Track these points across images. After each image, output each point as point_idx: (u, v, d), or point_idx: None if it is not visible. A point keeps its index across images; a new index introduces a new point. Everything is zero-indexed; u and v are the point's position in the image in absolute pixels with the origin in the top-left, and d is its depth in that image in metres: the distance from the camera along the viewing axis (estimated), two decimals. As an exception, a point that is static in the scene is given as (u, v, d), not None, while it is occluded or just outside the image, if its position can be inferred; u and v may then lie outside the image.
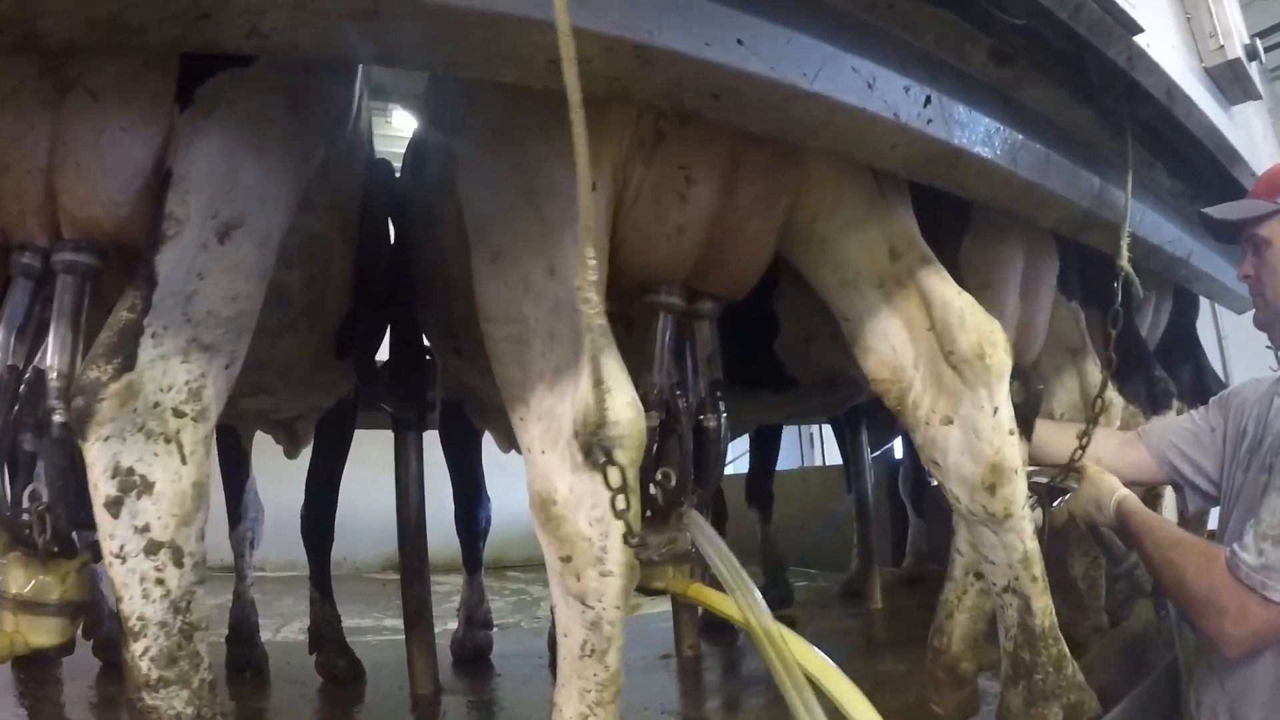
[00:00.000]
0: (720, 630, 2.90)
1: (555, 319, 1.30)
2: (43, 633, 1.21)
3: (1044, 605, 1.58)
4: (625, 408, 1.22)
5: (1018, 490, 1.53)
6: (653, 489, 1.45)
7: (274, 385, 2.01)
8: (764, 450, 3.95)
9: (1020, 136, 1.55)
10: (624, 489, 1.16)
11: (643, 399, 1.36)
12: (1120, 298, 1.78)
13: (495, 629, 3.09)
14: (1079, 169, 1.72)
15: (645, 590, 1.44)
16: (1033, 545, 1.56)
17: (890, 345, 1.58)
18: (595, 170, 1.26)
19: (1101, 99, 1.63)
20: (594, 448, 1.19)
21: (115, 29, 0.91)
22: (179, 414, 1.14)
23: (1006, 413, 1.52)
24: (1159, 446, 1.85)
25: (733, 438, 3.54)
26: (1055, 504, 1.92)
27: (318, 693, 2.47)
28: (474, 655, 2.88)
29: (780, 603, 3.39)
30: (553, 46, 0.84)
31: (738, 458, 4.48)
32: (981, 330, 1.52)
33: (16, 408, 1.21)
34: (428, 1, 0.89)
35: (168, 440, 1.13)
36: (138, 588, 1.10)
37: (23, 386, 1.22)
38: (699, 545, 1.43)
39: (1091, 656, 2.18)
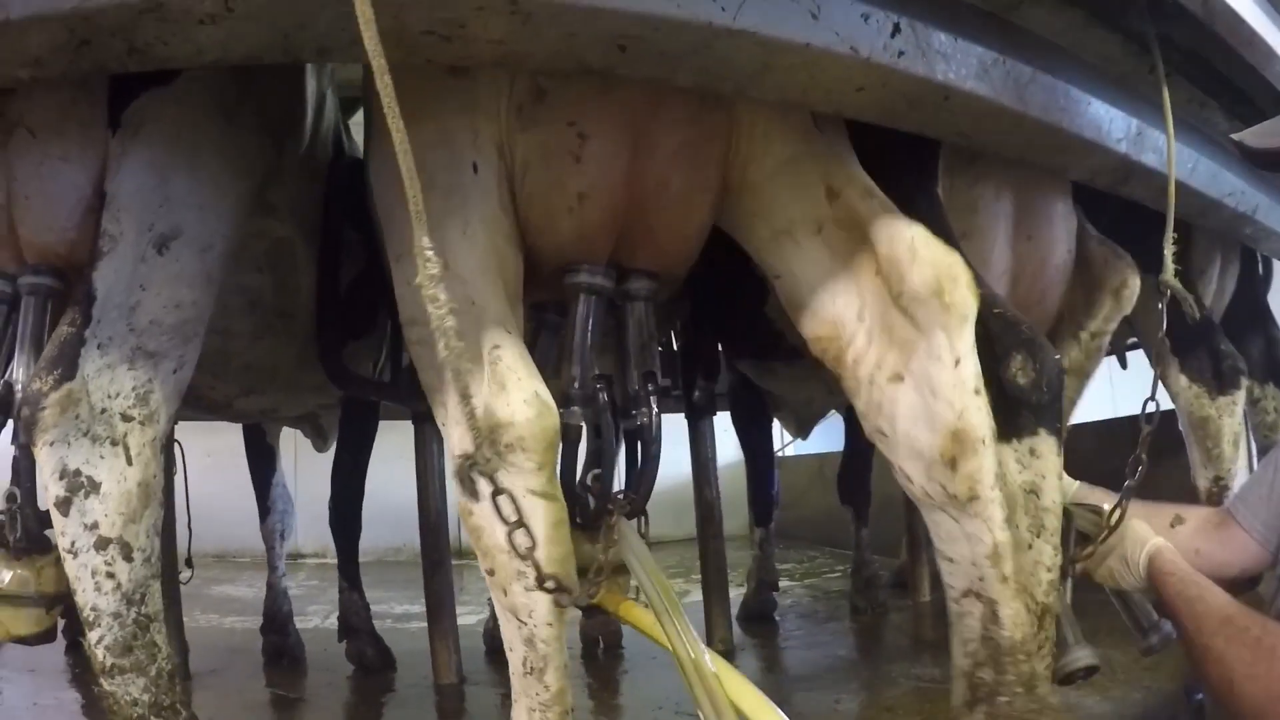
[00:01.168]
0: (759, 622, 2.92)
1: (461, 318, 1.27)
2: (22, 623, 1.35)
3: (1014, 613, 1.34)
4: (522, 405, 1.18)
5: (984, 466, 1.29)
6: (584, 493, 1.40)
7: (263, 386, 2.16)
8: (856, 437, 3.47)
9: (1029, 69, 1.36)
10: (520, 523, 1.11)
11: (564, 394, 1.34)
12: (1170, 266, 1.53)
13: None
14: (1109, 108, 1.53)
15: (583, 607, 1.35)
16: (1004, 537, 1.32)
17: (830, 297, 1.40)
18: (474, 147, 1.27)
19: (1124, 19, 1.43)
20: (475, 475, 1.10)
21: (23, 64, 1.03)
22: (126, 418, 1.26)
23: (971, 367, 1.29)
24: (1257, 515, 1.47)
25: (807, 424, 3.49)
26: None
27: (346, 680, 2.64)
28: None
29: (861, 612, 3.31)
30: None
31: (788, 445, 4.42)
32: (939, 263, 1.30)
33: None
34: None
35: (114, 443, 1.25)
36: (90, 581, 1.22)
37: None
38: (626, 560, 1.33)
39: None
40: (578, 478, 1.41)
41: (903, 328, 1.32)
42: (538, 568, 1.14)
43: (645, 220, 1.38)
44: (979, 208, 1.78)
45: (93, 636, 1.23)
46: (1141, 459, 1.52)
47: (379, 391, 2.25)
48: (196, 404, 2.24)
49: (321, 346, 2.04)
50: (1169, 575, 1.40)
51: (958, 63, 1.25)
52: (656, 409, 1.45)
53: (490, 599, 3.00)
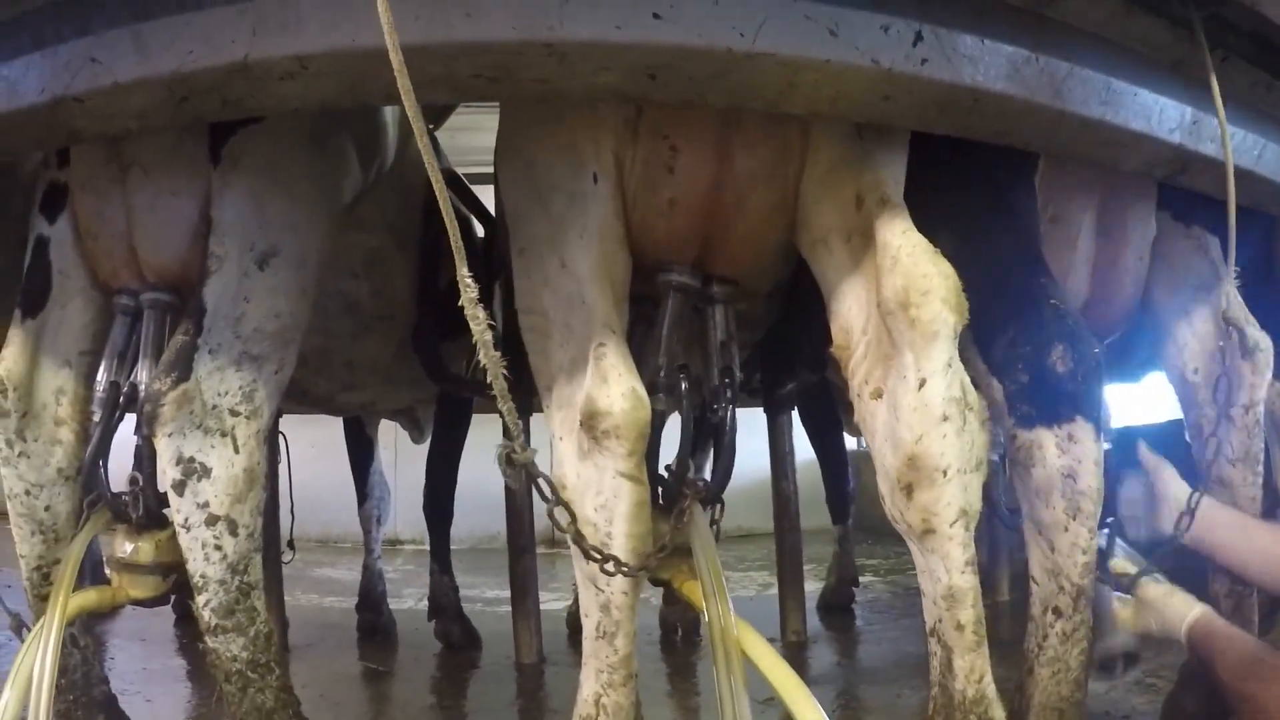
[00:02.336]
0: (836, 614, 3.03)
1: (570, 312, 1.41)
2: (140, 588, 1.60)
3: (969, 666, 1.31)
4: (620, 398, 1.31)
5: (944, 499, 1.27)
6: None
7: (364, 382, 2.43)
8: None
9: (1065, 65, 1.35)
10: (558, 500, 1.27)
11: (649, 382, 1.45)
12: (1232, 255, 1.60)
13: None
14: (1158, 97, 1.49)
15: (651, 580, 1.50)
16: (963, 581, 1.29)
17: (847, 306, 1.43)
18: (596, 158, 1.42)
19: (1167, 4, 1.41)
20: (510, 461, 1.21)
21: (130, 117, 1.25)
22: (234, 413, 1.49)
23: (939, 390, 1.26)
24: None
25: None
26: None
27: (433, 657, 2.90)
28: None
29: None
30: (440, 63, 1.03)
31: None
32: (911, 274, 1.28)
33: (117, 414, 1.60)
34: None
35: (223, 434, 1.47)
36: (200, 552, 1.45)
37: (122, 398, 1.60)
38: (690, 541, 1.42)
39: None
40: (662, 463, 1.52)
41: (885, 342, 1.34)
42: (582, 545, 1.29)
43: (725, 229, 1.49)
44: (1074, 196, 1.84)
45: (200, 600, 1.46)
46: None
47: (473, 388, 2.46)
48: (302, 398, 2.54)
49: (419, 345, 2.27)
50: (1211, 636, 1.44)
51: (986, 65, 1.26)
52: (733, 405, 1.53)
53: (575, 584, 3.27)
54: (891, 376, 1.32)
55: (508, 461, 1.20)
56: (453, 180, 2.47)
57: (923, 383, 1.27)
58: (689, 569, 1.46)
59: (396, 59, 0.96)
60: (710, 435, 1.56)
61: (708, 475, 1.54)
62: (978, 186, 1.79)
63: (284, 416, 3.22)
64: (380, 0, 0.94)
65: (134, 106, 1.22)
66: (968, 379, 1.31)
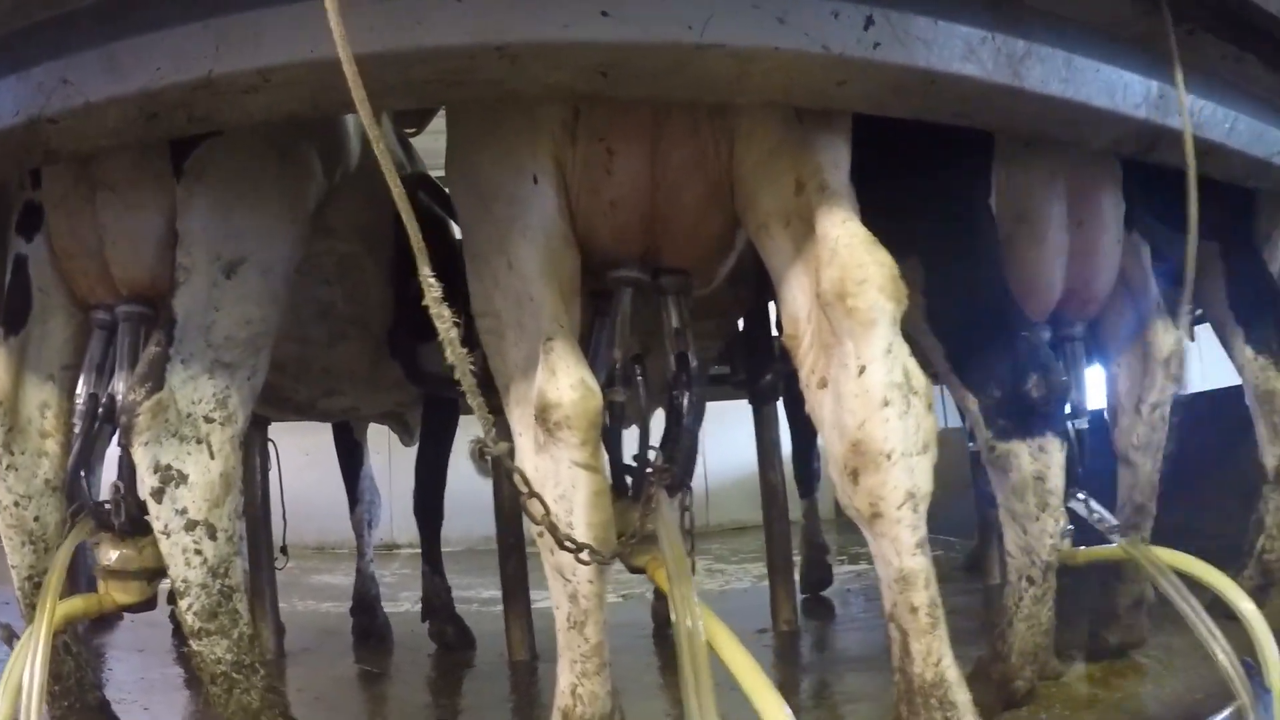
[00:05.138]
0: (817, 597, 3.08)
1: (520, 311, 1.48)
2: (126, 594, 1.64)
3: (925, 649, 1.32)
4: (569, 389, 1.37)
5: (889, 483, 1.30)
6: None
7: (343, 387, 2.49)
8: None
9: (1022, 43, 1.37)
10: (530, 492, 1.29)
11: (607, 374, 1.55)
12: (1193, 228, 1.66)
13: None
14: (1122, 73, 1.52)
15: (628, 568, 1.55)
16: (914, 564, 1.31)
17: (792, 294, 1.46)
18: (534, 161, 1.47)
19: None
20: (481, 455, 1.24)
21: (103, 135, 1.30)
22: (209, 420, 1.53)
23: (879, 375, 1.30)
24: None
25: None
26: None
27: (428, 657, 2.96)
28: None
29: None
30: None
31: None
32: (848, 265, 1.32)
33: (97, 425, 1.65)
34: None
35: (199, 441, 1.52)
36: (180, 557, 1.50)
37: (101, 409, 1.65)
38: (656, 529, 1.45)
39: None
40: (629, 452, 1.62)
41: (826, 331, 1.38)
42: (553, 533, 1.32)
43: (666, 223, 1.55)
44: (1034, 192, 1.95)
45: (183, 604, 1.51)
46: None
47: (453, 388, 2.50)
48: (284, 405, 2.59)
49: (396, 348, 2.32)
50: None
51: (941, 46, 1.28)
52: (689, 392, 1.58)
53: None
54: (834, 365, 1.36)
55: (480, 455, 1.24)
56: (426, 183, 2.50)
57: (862, 369, 1.31)
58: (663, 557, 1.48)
59: (350, 69, 1.00)
60: (674, 422, 1.61)
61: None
62: (939, 214, 1.92)
63: (275, 425, 3.31)
64: (332, 12, 0.99)
65: (106, 125, 1.27)
66: (913, 364, 1.34)
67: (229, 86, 1.18)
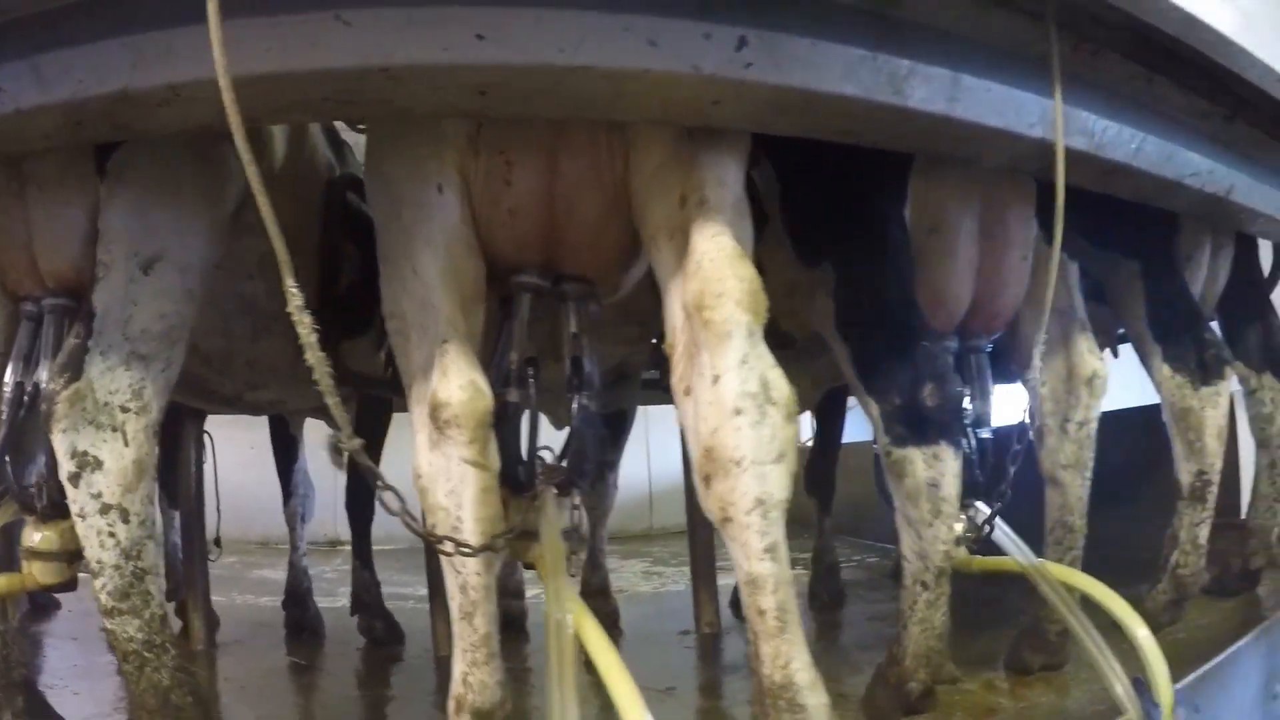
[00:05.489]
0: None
1: (423, 314, 1.58)
2: (47, 575, 1.76)
3: (774, 651, 1.39)
4: (458, 390, 1.49)
5: (738, 489, 1.38)
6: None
7: (268, 380, 2.62)
8: (824, 432, 3.98)
9: (908, 63, 1.44)
10: (384, 485, 1.43)
11: (504, 375, 1.66)
12: (1057, 241, 1.76)
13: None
14: (1016, 92, 1.59)
15: (525, 564, 1.69)
16: (761, 568, 1.37)
17: (671, 304, 1.54)
18: (440, 171, 1.58)
19: None
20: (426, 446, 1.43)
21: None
22: (125, 409, 1.65)
23: (732, 385, 1.38)
24: None
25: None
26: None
27: (356, 651, 3.11)
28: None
29: (832, 602, 3.62)
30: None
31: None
32: (708, 279, 1.41)
33: (23, 412, 1.76)
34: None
35: (114, 430, 1.64)
36: (95, 539, 1.62)
37: (26, 397, 1.76)
38: (540, 524, 1.57)
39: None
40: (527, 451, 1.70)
41: (691, 341, 1.46)
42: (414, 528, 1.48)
43: (563, 233, 1.66)
44: (947, 205, 2.05)
45: (97, 584, 1.63)
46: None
47: (372, 384, 2.63)
48: (211, 398, 2.72)
49: (319, 343, 2.44)
50: None
51: (818, 66, 1.35)
52: (582, 395, 1.68)
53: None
54: (695, 374, 1.44)
55: (335, 450, 1.37)
56: (357, 185, 2.63)
57: (716, 379, 1.39)
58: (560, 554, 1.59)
59: (227, 92, 1.13)
60: (581, 425, 1.71)
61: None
62: (854, 221, 2.03)
63: (222, 420, 3.43)
64: (214, 37, 1.11)
65: (38, 130, 1.41)
66: (775, 375, 1.42)
67: (144, 100, 1.30)
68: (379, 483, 1.46)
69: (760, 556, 1.38)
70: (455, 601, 1.61)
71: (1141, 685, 1.71)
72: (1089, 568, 2.13)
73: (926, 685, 1.93)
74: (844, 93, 1.37)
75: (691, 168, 1.52)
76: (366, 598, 3.28)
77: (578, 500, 1.72)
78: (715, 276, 1.41)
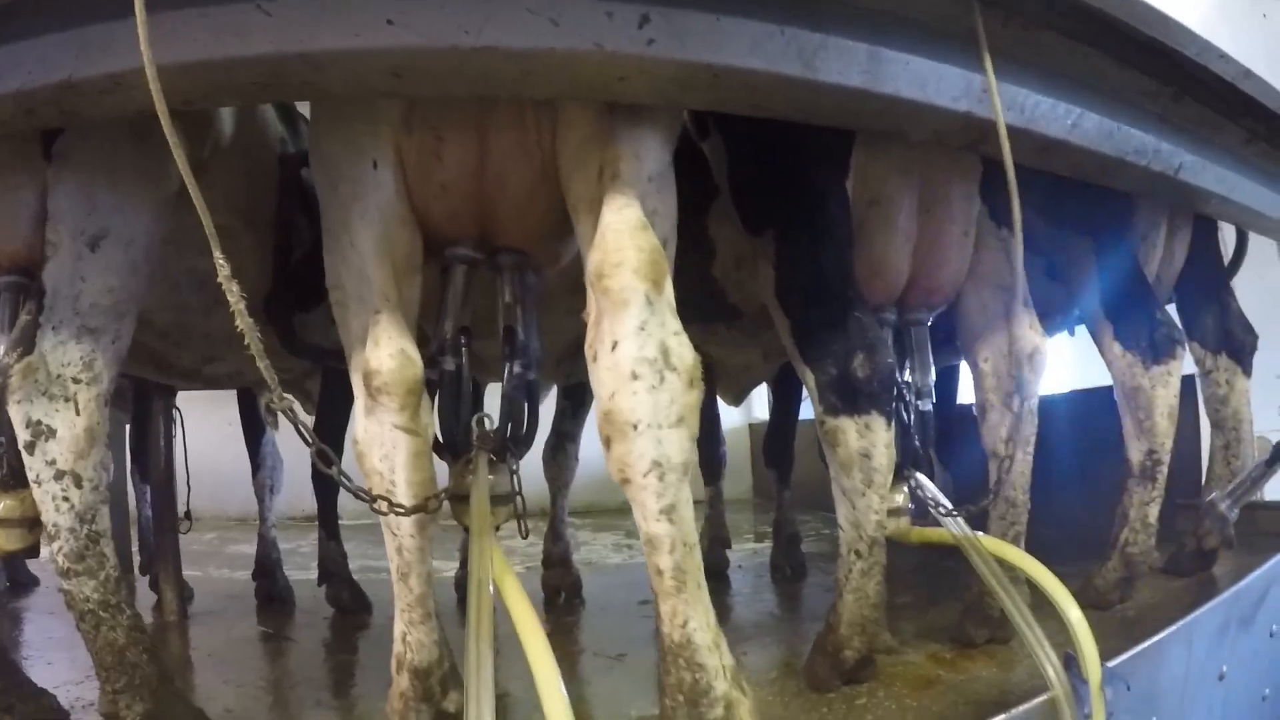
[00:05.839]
0: (712, 579, 3.34)
1: (360, 285, 1.70)
2: (10, 541, 1.88)
3: (671, 611, 1.48)
4: (388, 358, 1.60)
5: (635, 452, 1.45)
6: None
7: (223, 353, 2.76)
8: (781, 405, 4.10)
9: (819, 36, 1.47)
10: (316, 445, 1.55)
11: (439, 345, 1.79)
12: (1018, 221, 1.80)
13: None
14: (937, 65, 1.61)
15: (462, 526, 1.77)
16: (658, 529, 1.46)
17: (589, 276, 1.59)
18: (375, 147, 1.69)
19: None
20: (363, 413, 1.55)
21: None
22: (76, 381, 1.79)
23: (629, 351, 1.45)
24: None
25: (742, 392, 3.94)
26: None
27: (324, 620, 3.28)
28: None
29: (794, 574, 3.75)
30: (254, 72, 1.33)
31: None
32: (608, 249, 1.49)
33: None
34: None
35: (67, 400, 1.77)
36: (51, 504, 1.76)
37: None
38: (471, 489, 1.67)
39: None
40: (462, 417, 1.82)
41: (595, 309, 1.54)
42: (351, 484, 1.60)
43: (495, 206, 1.75)
44: (888, 179, 2.14)
45: (54, 547, 1.77)
46: None
47: (327, 356, 2.77)
48: (170, 371, 2.88)
49: (271, 316, 2.58)
50: None
51: (722, 41, 1.39)
52: (513, 364, 1.81)
53: (460, 553, 3.59)
54: (598, 341, 1.52)
55: (268, 409, 1.50)
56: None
57: (615, 345, 1.47)
58: (496, 514, 1.74)
59: (152, 77, 1.25)
60: (513, 392, 1.83)
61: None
62: (796, 192, 2.13)
63: (199, 397, 3.58)
64: (140, 26, 1.23)
65: None
66: (676, 342, 1.49)
67: (88, 88, 1.43)
68: (310, 441, 1.59)
69: (656, 518, 1.46)
70: (393, 564, 1.74)
71: (1072, 661, 1.78)
72: (1050, 547, 2.22)
73: (862, 654, 2.05)
74: (750, 67, 1.42)
75: (609, 141, 1.60)
76: (333, 568, 3.45)
77: (515, 465, 1.85)
78: (615, 246, 1.49)
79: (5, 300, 1.91)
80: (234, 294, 1.37)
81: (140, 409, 3.61)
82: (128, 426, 3.82)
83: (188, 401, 3.77)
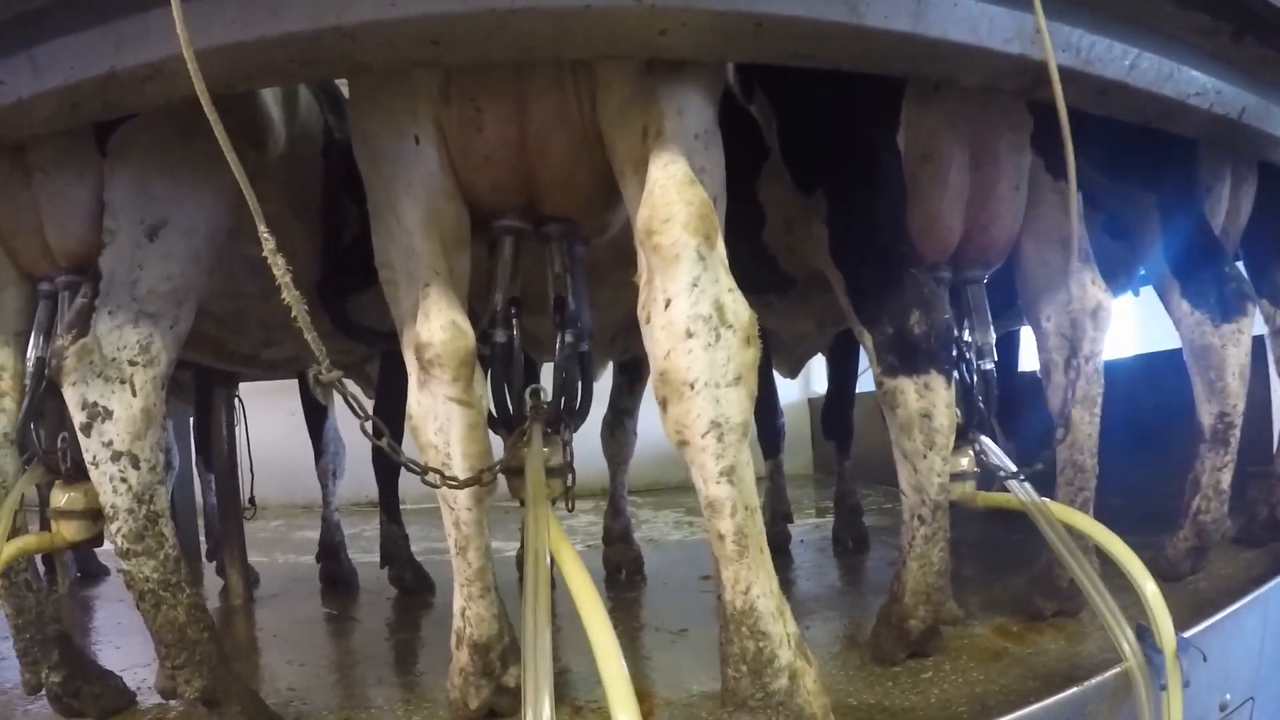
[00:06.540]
0: (773, 552, 3.29)
1: (408, 262, 1.68)
2: (74, 532, 1.92)
3: (734, 577, 1.44)
4: (439, 330, 1.59)
5: (693, 412, 1.41)
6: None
7: (281, 337, 2.78)
8: (838, 374, 4.01)
9: None
10: (366, 416, 1.53)
11: (489, 320, 1.77)
12: (1072, 172, 1.70)
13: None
14: (988, 6, 1.54)
15: (518, 500, 1.71)
16: (718, 491, 1.41)
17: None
18: (415, 123, 1.68)
19: None
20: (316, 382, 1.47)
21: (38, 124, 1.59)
22: (132, 363, 1.79)
23: (682, 308, 1.41)
24: None
25: (798, 363, 3.87)
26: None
27: (387, 601, 3.30)
28: None
29: (856, 547, 3.67)
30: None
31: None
32: (657, 205, 1.45)
33: (44, 384, 1.91)
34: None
35: (123, 382, 1.78)
36: (108, 485, 1.76)
37: (47, 369, 1.88)
38: (526, 462, 1.64)
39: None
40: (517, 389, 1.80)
41: (647, 269, 1.49)
42: (398, 459, 1.58)
43: (538, 175, 1.72)
44: (940, 132, 2.07)
45: (113, 528, 1.78)
46: None
47: (377, 338, 2.78)
48: (231, 358, 2.90)
49: (324, 300, 2.59)
50: None
51: None
52: (566, 333, 1.76)
53: (521, 531, 3.55)
54: (650, 301, 1.47)
55: (315, 381, 1.48)
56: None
57: (669, 303, 1.42)
58: (551, 487, 1.69)
59: (191, 61, 1.24)
60: (566, 363, 1.79)
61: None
62: (846, 147, 2.07)
63: (263, 388, 3.63)
64: (176, 11, 1.22)
65: (39, 116, 1.55)
66: (729, 298, 1.44)
67: (130, 78, 1.44)
68: (360, 414, 1.57)
69: (717, 480, 1.41)
70: (451, 538, 1.73)
71: (1146, 633, 1.71)
72: (1119, 515, 2.12)
73: (928, 624, 1.98)
74: (794, 14, 1.37)
75: (651, 100, 1.56)
76: (394, 550, 3.47)
77: (568, 437, 1.81)
78: (663, 202, 1.44)
79: (66, 299, 1.93)
80: (279, 267, 1.36)
81: (203, 399, 3.68)
82: (193, 417, 3.88)
83: (253, 393, 3.85)
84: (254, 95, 2.17)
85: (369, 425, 1.57)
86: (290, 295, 1.38)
